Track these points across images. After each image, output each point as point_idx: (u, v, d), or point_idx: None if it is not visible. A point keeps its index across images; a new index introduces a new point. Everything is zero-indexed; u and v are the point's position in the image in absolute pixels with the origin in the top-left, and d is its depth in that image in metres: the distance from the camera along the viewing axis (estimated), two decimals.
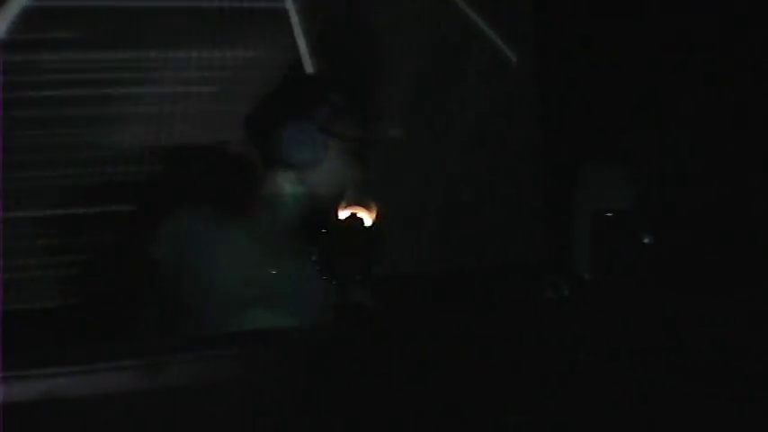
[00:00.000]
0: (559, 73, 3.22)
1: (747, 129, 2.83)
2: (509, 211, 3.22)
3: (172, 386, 1.75)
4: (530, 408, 1.96)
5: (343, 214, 2.35)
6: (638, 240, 2.30)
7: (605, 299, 2.32)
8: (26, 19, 2.88)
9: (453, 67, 3.30)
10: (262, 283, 2.40)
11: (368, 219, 2.34)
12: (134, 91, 3.02)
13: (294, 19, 3.24)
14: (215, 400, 1.76)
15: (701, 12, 2.98)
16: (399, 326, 2.17)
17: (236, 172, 2.67)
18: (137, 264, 2.40)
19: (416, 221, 3.23)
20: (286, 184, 2.40)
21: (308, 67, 3.21)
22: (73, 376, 1.66)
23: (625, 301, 2.22)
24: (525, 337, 2.14)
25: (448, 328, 2.15)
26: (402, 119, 3.17)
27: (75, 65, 2.96)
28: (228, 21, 3.15)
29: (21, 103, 2.88)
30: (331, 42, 3.21)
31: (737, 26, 2.97)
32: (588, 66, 3.09)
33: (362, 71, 3.19)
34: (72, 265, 2.92)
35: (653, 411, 1.98)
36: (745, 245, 2.33)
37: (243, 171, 2.55)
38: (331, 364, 1.94)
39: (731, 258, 2.31)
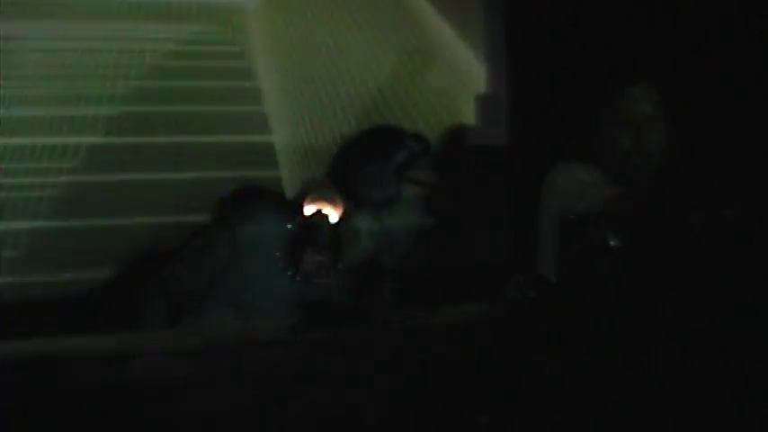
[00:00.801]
0: (528, 79, 3.25)
1: (715, 129, 2.88)
2: (476, 212, 3.24)
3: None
4: (496, 408, 1.96)
5: (309, 210, 2.33)
6: (604, 243, 2.31)
7: (571, 300, 2.33)
8: None
9: (426, 74, 3.33)
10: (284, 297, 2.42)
11: (334, 215, 2.34)
12: None
13: (250, 15, 3.22)
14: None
15: (664, 17, 3.03)
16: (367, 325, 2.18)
17: None
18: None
19: None
20: (361, 221, 2.46)
21: (259, 69, 3.22)
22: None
23: (590, 302, 2.23)
24: (491, 337, 2.14)
25: (415, 329, 2.15)
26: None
27: None
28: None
29: None
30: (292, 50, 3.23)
31: (704, 31, 3.03)
32: (557, 71, 3.12)
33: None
34: None
35: (619, 410, 1.98)
36: (711, 247, 2.36)
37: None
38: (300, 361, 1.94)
39: (695, 259, 2.34)
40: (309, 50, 3.27)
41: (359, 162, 2.46)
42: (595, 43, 3.05)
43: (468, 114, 3.34)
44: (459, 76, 3.39)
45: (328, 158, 2.57)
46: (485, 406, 1.95)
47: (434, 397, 1.95)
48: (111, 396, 1.73)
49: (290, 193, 2.98)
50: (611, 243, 2.30)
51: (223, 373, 1.89)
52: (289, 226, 2.33)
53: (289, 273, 2.32)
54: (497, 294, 2.44)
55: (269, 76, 3.23)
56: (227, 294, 2.38)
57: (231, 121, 3.20)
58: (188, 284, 2.40)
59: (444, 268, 3.01)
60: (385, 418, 1.91)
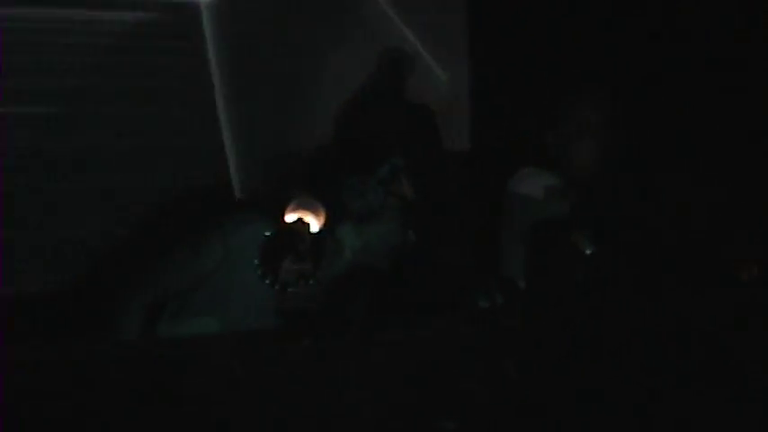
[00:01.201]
0: (491, 86, 3.28)
1: (679, 132, 2.94)
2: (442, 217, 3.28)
3: None
4: (464, 414, 1.98)
5: (291, 218, 2.31)
6: (580, 250, 2.36)
7: (539, 306, 2.37)
8: None
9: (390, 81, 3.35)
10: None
11: (315, 224, 2.32)
12: None
13: (205, 14, 3.19)
14: None
15: (630, 20, 3.09)
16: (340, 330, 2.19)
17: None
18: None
19: None
20: (343, 233, 2.48)
21: (214, 67, 3.19)
22: None
23: (568, 307, 2.28)
24: (460, 344, 2.17)
25: (386, 334, 2.17)
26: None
27: None
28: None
29: None
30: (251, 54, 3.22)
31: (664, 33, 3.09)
32: (519, 77, 3.15)
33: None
34: None
35: (586, 418, 2.02)
36: (677, 251, 2.43)
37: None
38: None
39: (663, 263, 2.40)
40: (269, 50, 3.24)
41: (342, 173, 2.50)
42: (559, 47, 3.09)
43: (432, 120, 3.37)
44: (422, 80, 3.41)
45: (299, 166, 2.56)
46: (457, 414, 1.98)
47: (410, 405, 1.98)
48: (98, 401, 1.72)
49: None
50: (587, 251, 2.34)
51: (201, 380, 1.89)
52: (267, 233, 2.31)
53: (267, 281, 2.29)
54: (468, 302, 2.46)
55: (225, 77, 3.19)
56: (211, 300, 2.36)
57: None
58: (173, 287, 2.37)
59: (420, 276, 3.04)
60: (361, 426, 1.93)
